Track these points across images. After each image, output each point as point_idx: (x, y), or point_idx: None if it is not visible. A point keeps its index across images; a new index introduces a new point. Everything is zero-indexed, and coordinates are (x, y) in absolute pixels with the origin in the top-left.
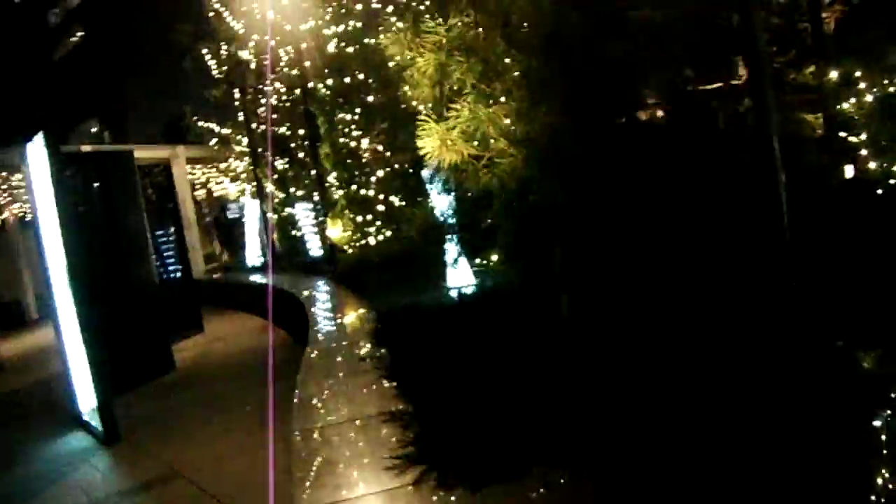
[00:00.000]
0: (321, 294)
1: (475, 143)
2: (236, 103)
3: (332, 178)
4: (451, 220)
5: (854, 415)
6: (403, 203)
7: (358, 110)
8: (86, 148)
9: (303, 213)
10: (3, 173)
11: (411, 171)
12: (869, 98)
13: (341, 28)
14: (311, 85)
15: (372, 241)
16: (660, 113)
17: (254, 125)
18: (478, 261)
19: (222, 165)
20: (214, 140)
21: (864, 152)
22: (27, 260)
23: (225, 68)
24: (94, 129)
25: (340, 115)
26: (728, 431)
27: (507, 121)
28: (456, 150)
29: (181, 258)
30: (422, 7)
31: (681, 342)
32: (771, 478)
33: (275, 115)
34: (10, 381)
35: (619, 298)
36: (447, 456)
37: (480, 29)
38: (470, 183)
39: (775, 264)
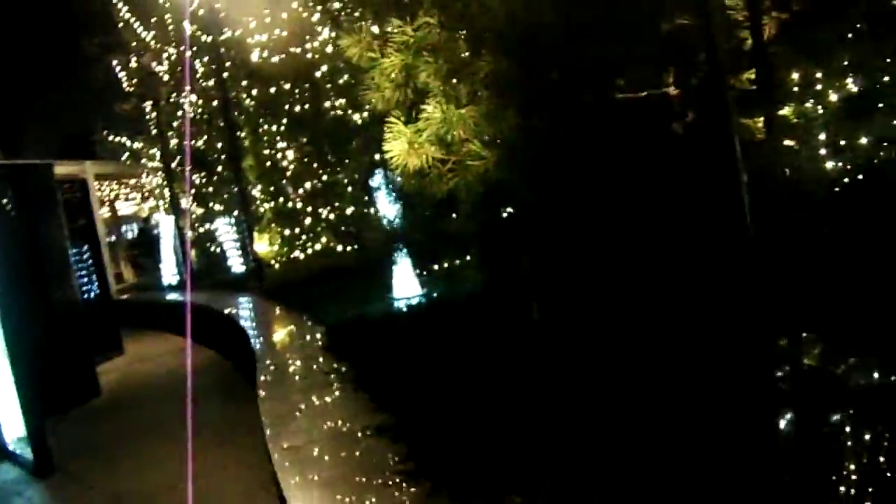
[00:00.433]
0: (254, 310)
1: (443, 146)
2: (149, 117)
3: (256, 191)
4: (401, 229)
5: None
6: (336, 214)
7: (284, 121)
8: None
9: (223, 229)
10: None
11: (346, 180)
12: (834, 98)
13: (265, 37)
14: (233, 95)
15: (302, 254)
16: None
17: (170, 138)
18: (434, 268)
19: (133, 181)
20: (126, 155)
21: (822, 152)
22: None
23: (135, 80)
24: None
25: (266, 126)
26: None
27: (476, 124)
28: (421, 154)
29: (99, 277)
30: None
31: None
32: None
33: (193, 128)
34: None
35: (589, 301)
36: (451, 468)
37: (445, 30)
38: (434, 188)
39: (740, 262)
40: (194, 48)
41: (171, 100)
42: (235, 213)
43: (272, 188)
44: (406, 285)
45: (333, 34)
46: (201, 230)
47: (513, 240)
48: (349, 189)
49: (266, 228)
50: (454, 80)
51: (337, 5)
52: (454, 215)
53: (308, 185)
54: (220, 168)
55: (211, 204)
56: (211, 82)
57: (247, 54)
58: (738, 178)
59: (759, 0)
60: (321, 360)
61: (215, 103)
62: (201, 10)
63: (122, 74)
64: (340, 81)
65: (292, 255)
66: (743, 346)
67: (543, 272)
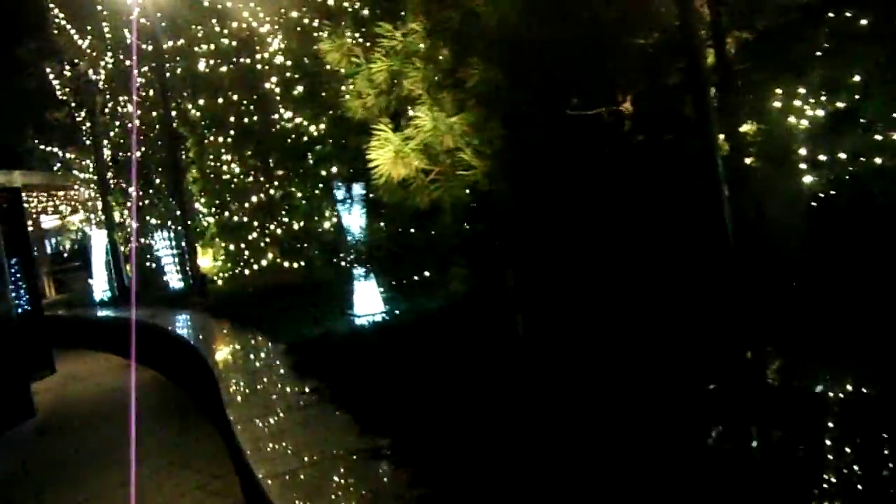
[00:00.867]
0: (199, 328)
1: (427, 155)
2: (83, 126)
3: (199, 204)
4: (366, 242)
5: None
6: (283, 229)
7: (232, 132)
8: None
9: (162, 244)
10: None
11: (299, 193)
12: (820, 112)
13: (212, 46)
14: (177, 105)
15: (248, 270)
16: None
17: (105, 149)
18: (403, 283)
19: (62, 193)
20: (58, 166)
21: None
22: None
23: (69, 88)
24: None
25: (212, 138)
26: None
27: (464, 133)
28: (407, 164)
29: (29, 291)
30: (364, 14)
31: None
32: None
33: (133, 138)
34: None
35: (573, 315)
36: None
37: (430, 37)
38: (417, 199)
39: (720, 275)
40: (135, 57)
41: (108, 109)
42: (175, 226)
43: (217, 201)
44: (358, 303)
45: (284, 44)
46: (136, 245)
47: (497, 252)
48: (304, 202)
49: (210, 243)
50: (441, 88)
51: (294, 15)
52: (432, 230)
53: (254, 198)
54: (158, 180)
55: (148, 217)
56: (151, 91)
57: (193, 63)
58: (719, 193)
59: (719, 20)
60: (293, 379)
61: (155, 113)
62: (143, 19)
63: (55, 82)
64: (294, 93)
65: (236, 271)
66: (717, 360)
67: (528, 285)
